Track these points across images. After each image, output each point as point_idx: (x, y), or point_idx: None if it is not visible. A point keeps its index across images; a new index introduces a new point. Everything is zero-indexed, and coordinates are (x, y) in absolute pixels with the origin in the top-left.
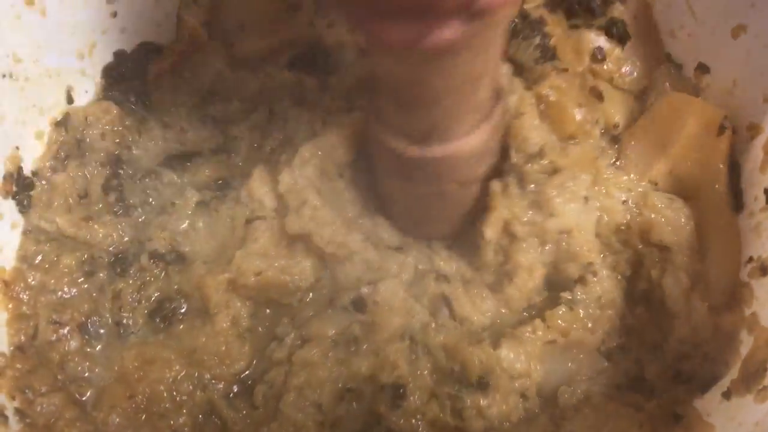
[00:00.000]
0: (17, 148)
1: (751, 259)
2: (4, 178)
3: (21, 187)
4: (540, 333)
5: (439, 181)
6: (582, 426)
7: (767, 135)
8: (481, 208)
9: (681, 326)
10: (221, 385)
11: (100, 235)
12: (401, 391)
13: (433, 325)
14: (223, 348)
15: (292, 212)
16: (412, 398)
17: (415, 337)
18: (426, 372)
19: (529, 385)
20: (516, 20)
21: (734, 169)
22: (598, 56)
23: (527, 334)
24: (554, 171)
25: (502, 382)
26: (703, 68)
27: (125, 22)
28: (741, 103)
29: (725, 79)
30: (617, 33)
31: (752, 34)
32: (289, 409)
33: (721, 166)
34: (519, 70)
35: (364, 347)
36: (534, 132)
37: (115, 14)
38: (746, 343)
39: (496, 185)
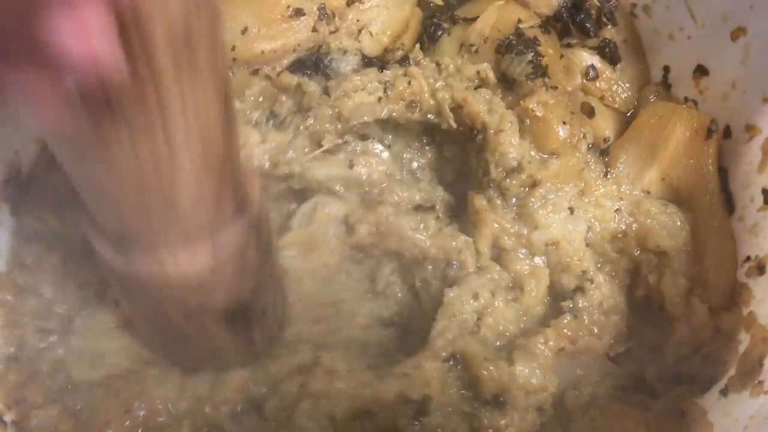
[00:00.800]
0: (17, 152)
1: (748, 258)
2: (4, 182)
3: (18, 190)
4: (551, 343)
5: (162, 306)
6: (589, 428)
7: (765, 135)
8: (241, 353)
9: (681, 328)
10: (223, 401)
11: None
12: (425, 407)
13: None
14: None
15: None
16: (434, 415)
17: (455, 353)
18: (454, 390)
19: (546, 398)
20: (510, 36)
21: (722, 172)
22: (590, 74)
23: (539, 345)
24: (533, 184)
25: (519, 399)
26: (702, 70)
27: None
28: (740, 104)
29: (724, 80)
30: (610, 54)
31: (751, 36)
32: (302, 417)
33: (712, 169)
34: (510, 84)
35: (398, 366)
36: (512, 148)
37: None
38: (744, 342)
39: (479, 200)
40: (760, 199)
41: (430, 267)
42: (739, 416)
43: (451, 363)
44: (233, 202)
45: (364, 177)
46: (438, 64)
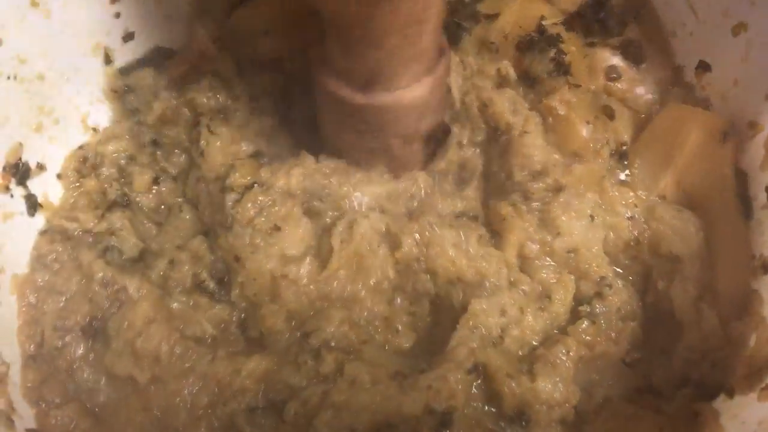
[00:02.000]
0: (20, 144)
1: (753, 257)
2: (4, 169)
3: (20, 177)
4: (572, 353)
5: (384, 134)
6: (601, 430)
7: None
8: (418, 166)
9: (690, 334)
10: (242, 400)
11: (123, 233)
12: (449, 418)
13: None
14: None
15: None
16: (457, 427)
17: (478, 364)
18: (478, 403)
19: (569, 410)
20: (533, 33)
21: (740, 177)
22: (612, 74)
23: (560, 356)
24: (558, 189)
25: (542, 414)
26: (704, 66)
27: (128, 22)
28: (742, 100)
29: (726, 76)
30: (633, 53)
31: (753, 32)
32: (322, 427)
33: (728, 173)
34: (532, 82)
35: (422, 378)
36: (537, 150)
37: (118, 15)
38: (750, 342)
39: (505, 207)
40: (763, 197)
41: (460, 289)
42: (746, 419)
43: (474, 374)
44: (440, 48)
45: (410, 189)
46: (462, 62)
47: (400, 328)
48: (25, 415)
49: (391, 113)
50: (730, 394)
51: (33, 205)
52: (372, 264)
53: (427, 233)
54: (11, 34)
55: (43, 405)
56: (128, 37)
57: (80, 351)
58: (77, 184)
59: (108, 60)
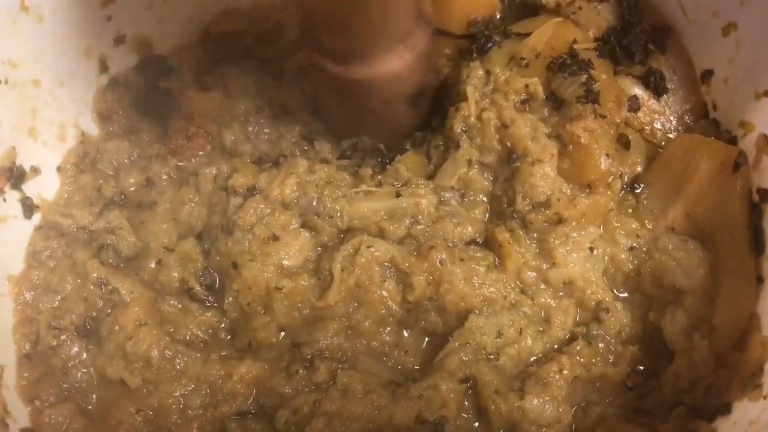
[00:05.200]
0: (13, 147)
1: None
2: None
3: (15, 181)
4: (566, 372)
5: (365, 98)
6: None
7: (759, 132)
8: (411, 124)
9: (679, 361)
10: (233, 404)
11: (122, 231)
12: (441, 428)
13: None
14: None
15: None
16: None
17: (469, 377)
18: (469, 416)
19: (562, 429)
20: (564, 55)
21: (754, 210)
22: (632, 105)
23: (553, 373)
24: (558, 221)
25: None
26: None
27: (119, 26)
28: (733, 100)
29: (717, 76)
30: (654, 84)
31: (742, 32)
32: None
33: (738, 205)
34: (558, 105)
35: (414, 388)
36: (544, 181)
37: (109, 18)
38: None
39: (501, 233)
40: (755, 198)
41: (466, 316)
42: (738, 419)
43: (466, 385)
44: (416, 11)
45: (413, 209)
46: (488, 72)
47: (407, 351)
48: (20, 413)
49: (367, 83)
50: (728, 411)
51: (29, 208)
52: (376, 298)
53: (437, 272)
54: (2, 39)
55: (38, 403)
56: (120, 40)
57: (75, 350)
58: (73, 179)
59: (103, 67)
